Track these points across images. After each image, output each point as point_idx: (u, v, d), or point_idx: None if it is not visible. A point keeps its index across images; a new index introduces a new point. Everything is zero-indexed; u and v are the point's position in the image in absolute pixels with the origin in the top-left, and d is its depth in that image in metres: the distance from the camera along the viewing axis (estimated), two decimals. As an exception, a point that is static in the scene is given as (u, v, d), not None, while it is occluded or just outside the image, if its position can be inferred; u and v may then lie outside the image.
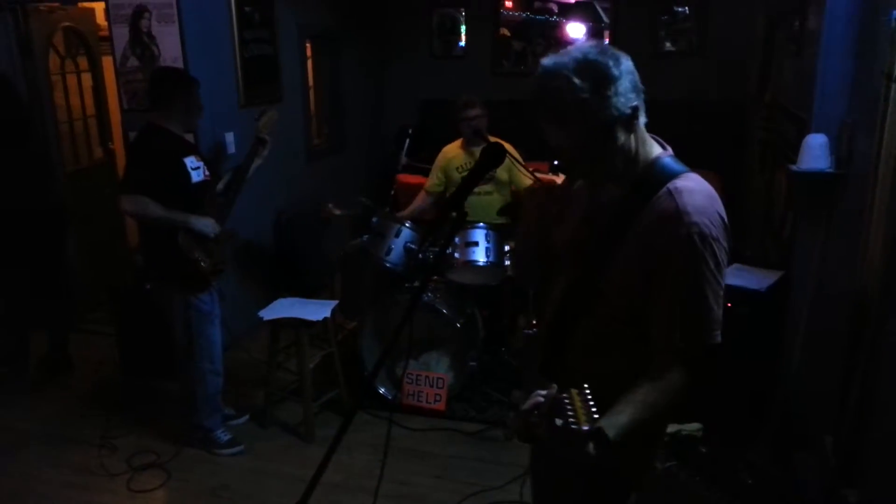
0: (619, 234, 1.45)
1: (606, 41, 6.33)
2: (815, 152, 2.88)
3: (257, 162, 3.46)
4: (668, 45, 6.08)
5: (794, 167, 2.97)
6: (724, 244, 1.40)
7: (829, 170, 2.88)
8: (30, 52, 4.37)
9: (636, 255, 1.42)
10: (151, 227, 3.20)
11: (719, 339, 1.41)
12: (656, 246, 1.40)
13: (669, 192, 1.41)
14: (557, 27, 6.46)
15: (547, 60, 1.40)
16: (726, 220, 1.42)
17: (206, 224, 3.18)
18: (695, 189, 1.42)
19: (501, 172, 4.08)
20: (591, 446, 1.21)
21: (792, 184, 3.21)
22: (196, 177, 3.21)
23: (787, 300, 3.25)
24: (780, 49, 4.16)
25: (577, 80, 1.34)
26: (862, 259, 2.53)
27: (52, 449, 3.47)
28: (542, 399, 1.32)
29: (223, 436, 3.45)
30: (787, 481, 2.82)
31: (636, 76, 1.41)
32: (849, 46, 2.90)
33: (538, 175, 3.99)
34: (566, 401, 1.25)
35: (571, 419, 1.22)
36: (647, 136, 1.50)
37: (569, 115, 1.37)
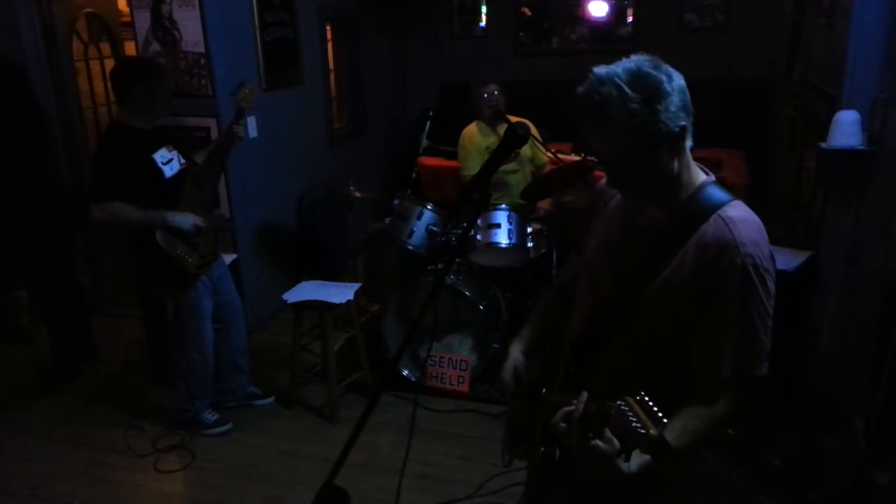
0: (665, 258, 1.44)
1: (630, 18, 6.23)
2: (846, 129, 2.82)
3: (238, 131, 3.27)
4: (693, 21, 5.96)
5: (824, 145, 2.91)
6: (773, 276, 1.40)
7: (860, 147, 2.81)
8: (53, 38, 4.40)
9: (685, 279, 1.41)
10: (130, 229, 3.10)
11: (766, 370, 1.41)
12: (709, 274, 1.39)
13: (723, 221, 1.40)
14: (579, 5, 6.37)
15: (599, 69, 1.38)
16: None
17: (184, 220, 3.08)
18: (747, 220, 1.41)
19: (525, 149, 4.05)
20: (646, 457, 1.23)
21: (822, 162, 3.14)
22: (169, 171, 3.10)
23: (816, 280, 3.19)
24: (810, 23, 4.05)
25: (628, 90, 1.33)
26: (893, 238, 2.48)
27: (81, 430, 3.53)
28: (574, 406, 1.33)
29: (210, 417, 3.48)
30: (816, 464, 2.79)
31: (688, 96, 1.39)
32: (882, 19, 2.82)
33: (560, 156, 3.97)
34: (624, 408, 1.23)
35: (636, 424, 1.19)
36: (692, 161, 1.48)
37: (615, 124, 1.35)
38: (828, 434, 2.94)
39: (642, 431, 1.18)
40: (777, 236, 3.89)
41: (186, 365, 3.37)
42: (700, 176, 1.49)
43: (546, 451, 1.49)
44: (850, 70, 2.92)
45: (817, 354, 3.10)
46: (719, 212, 1.42)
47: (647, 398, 1.22)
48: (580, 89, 1.39)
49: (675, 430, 1.35)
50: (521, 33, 6.50)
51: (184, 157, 3.22)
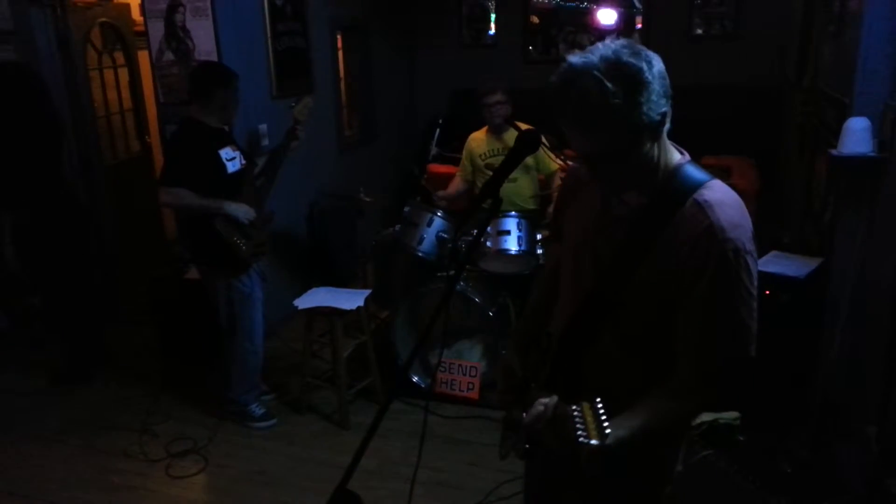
0: (644, 245, 1.40)
1: (639, 26, 6.24)
2: (856, 136, 2.81)
3: (294, 144, 3.55)
4: (701, 29, 5.97)
5: (834, 152, 2.90)
6: (755, 255, 1.37)
7: (871, 154, 2.80)
8: (67, 47, 4.45)
9: (666, 267, 1.38)
10: (190, 215, 3.32)
11: (753, 352, 1.39)
12: (689, 261, 1.35)
13: (699, 206, 1.36)
14: (588, 14, 6.39)
15: (574, 58, 1.30)
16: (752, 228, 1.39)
17: (241, 210, 3.29)
18: (725, 201, 1.37)
19: (527, 158, 4.06)
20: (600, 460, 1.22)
21: (833, 169, 3.14)
22: (231, 167, 3.32)
23: (827, 287, 3.18)
24: (820, 31, 4.05)
25: (608, 84, 1.25)
26: (906, 244, 2.47)
27: (94, 435, 3.56)
28: (542, 408, 1.34)
29: (257, 410, 3.60)
30: (828, 471, 2.78)
31: (667, 80, 1.33)
32: (892, 26, 2.82)
33: (570, 162, 3.98)
34: (576, 414, 1.24)
35: (582, 433, 1.22)
36: (668, 142, 1.43)
37: (594, 119, 1.29)
38: (839, 441, 2.93)
39: (583, 440, 1.20)
40: (788, 242, 3.89)
41: (239, 357, 3.50)
42: (675, 156, 1.43)
43: (528, 448, 1.50)
44: (861, 77, 2.91)
45: (829, 361, 3.09)
46: (695, 195, 1.37)
47: (600, 406, 1.23)
48: (553, 80, 1.32)
49: (650, 412, 1.36)
50: (531, 42, 6.52)
51: (245, 159, 3.44)
